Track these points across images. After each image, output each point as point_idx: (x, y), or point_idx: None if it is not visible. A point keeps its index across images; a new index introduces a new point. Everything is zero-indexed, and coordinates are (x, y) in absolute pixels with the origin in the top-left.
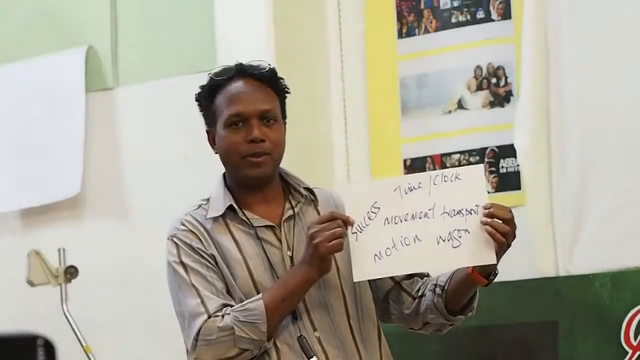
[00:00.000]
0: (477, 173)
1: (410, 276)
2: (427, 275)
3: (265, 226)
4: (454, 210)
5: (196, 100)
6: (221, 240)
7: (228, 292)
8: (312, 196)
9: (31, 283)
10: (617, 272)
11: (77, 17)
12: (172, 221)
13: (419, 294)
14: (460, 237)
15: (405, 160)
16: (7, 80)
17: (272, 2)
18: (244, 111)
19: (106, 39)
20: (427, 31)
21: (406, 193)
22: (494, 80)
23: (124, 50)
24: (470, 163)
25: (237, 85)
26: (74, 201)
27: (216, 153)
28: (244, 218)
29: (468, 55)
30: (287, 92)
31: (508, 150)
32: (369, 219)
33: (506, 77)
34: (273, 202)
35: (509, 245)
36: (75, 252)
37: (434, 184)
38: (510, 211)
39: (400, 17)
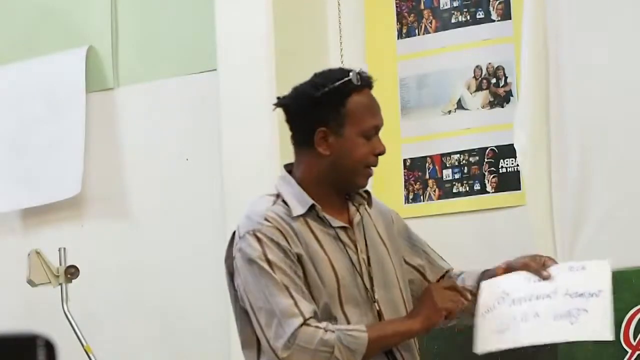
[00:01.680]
0: (604, 267)
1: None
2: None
3: (341, 227)
4: (576, 292)
5: (311, 95)
6: (307, 239)
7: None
8: (369, 199)
9: (32, 283)
10: (617, 272)
11: (78, 18)
12: (251, 215)
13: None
14: (578, 315)
15: (405, 160)
16: (8, 80)
17: (272, 2)
18: (379, 125)
19: (106, 39)
20: (427, 31)
21: (534, 282)
22: (493, 80)
23: (125, 50)
24: (470, 163)
25: (370, 96)
26: (74, 201)
27: (324, 152)
28: (323, 218)
29: (468, 55)
30: None
31: (508, 150)
32: (498, 303)
33: (506, 77)
34: (339, 205)
35: None
36: (75, 252)
37: (560, 272)
38: None
39: (400, 17)
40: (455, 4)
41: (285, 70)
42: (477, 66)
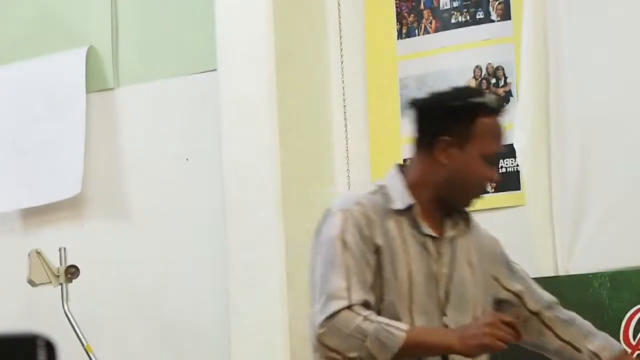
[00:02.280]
0: None
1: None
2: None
3: (431, 236)
4: None
5: (446, 103)
6: (393, 235)
7: (373, 287)
8: (468, 222)
9: (32, 283)
10: (616, 272)
11: (78, 18)
12: (350, 195)
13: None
14: None
15: (405, 160)
16: (8, 81)
17: (272, 2)
18: (500, 152)
19: (107, 40)
20: (426, 32)
21: None
22: (493, 81)
23: (125, 50)
24: None
25: (498, 123)
26: (74, 201)
27: (442, 160)
28: (417, 221)
29: (468, 55)
30: None
31: (508, 150)
32: None
33: (506, 77)
34: (438, 217)
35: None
36: (75, 252)
37: None
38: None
39: (400, 17)
40: (455, 4)
41: (285, 70)
42: (477, 66)
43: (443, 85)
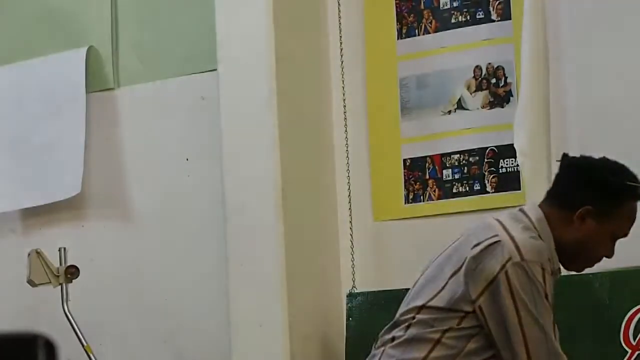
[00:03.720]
0: None
1: None
2: None
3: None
4: None
5: (605, 177)
6: (551, 292)
7: None
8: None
9: (32, 283)
10: (616, 272)
11: (78, 18)
12: (532, 244)
13: None
14: None
15: (405, 160)
16: (8, 81)
17: (272, 2)
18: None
19: (107, 40)
20: (426, 32)
21: None
22: (493, 81)
23: (125, 50)
24: (470, 163)
25: (636, 209)
26: (74, 201)
27: (578, 226)
28: (556, 277)
29: (468, 55)
30: None
31: (508, 150)
32: None
33: (506, 77)
34: None
35: None
36: (75, 252)
37: None
38: None
39: (400, 17)
40: (455, 4)
41: (285, 70)
42: (477, 66)
43: (443, 85)
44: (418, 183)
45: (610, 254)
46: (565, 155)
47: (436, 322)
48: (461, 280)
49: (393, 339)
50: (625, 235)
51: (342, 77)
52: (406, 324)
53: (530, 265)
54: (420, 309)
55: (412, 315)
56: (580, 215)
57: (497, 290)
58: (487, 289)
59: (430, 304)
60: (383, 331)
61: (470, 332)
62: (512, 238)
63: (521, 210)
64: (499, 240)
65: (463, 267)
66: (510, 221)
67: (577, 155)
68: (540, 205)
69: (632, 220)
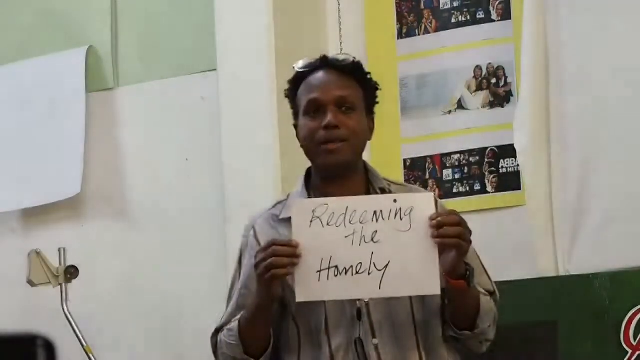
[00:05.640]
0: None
1: None
2: None
3: None
4: None
5: (286, 97)
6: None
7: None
8: None
9: (31, 283)
10: (617, 272)
11: (78, 18)
12: (249, 218)
13: None
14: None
15: (405, 160)
16: (8, 81)
17: (272, 3)
18: (320, 98)
19: (106, 40)
20: (427, 31)
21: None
22: (493, 81)
23: (124, 50)
24: (470, 163)
25: (318, 76)
26: (74, 201)
27: (302, 146)
28: None
29: (468, 55)
30: (376, 87)
31: (508, 150)
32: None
33: (506, 77)
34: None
35: (468, 244)
36: (75, 252)
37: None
38: (455, 213)
39: (400, 17)
40: (455, 4)
41: (285, 70)
42: (477, 66)
43: (443, 85)
44: (418, 183)
45: (325, 120)
46: None
47: None
48: None
49: None
50: (315, 99)
51: None
52: None
53: None
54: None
55: None
56: (298, 138)
57: None
58: None
59: None
60: None
61: None
62: None
63: None
64: None
65: None
66: None
67: (578, 155)
68: None
69: (310, 85)
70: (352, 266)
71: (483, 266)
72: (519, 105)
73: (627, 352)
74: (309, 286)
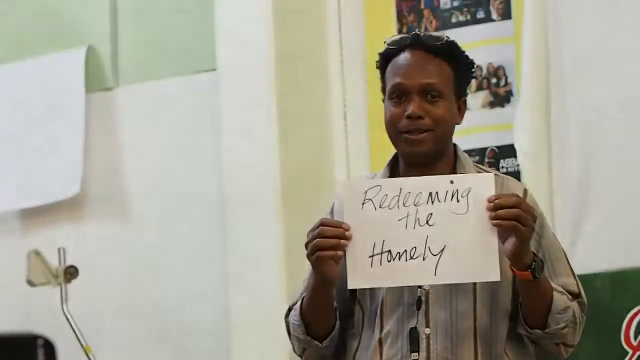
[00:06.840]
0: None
1: None
2: None
3: None
4: None
5: (377, 68)
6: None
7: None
8: None
9: (31, 283)
10: (617, 272)
11: (77, 17)
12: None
13: None
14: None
15: None
16: (7, 80)
17: (272, 2)
18: (405, 83)
19: (106, 39)
20: (427, 31)
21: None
22: (494, 80)
23: (124, 50)
24: None
25: (405, 57)
26: (74, 201)
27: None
28: None
29: (468, 55)
30: (471, 68)
31: (508, 150)
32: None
33: (506, 77)
34: None
35: (528, 229)
36: (75, 252)
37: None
38: (516, 196)
39: (400, 17)
40: (455, 3)
41: (285, 70)
42: (477, 66)
43: None
44: None
45: (408, 110)
46: None
47: None
48: None
49: None
50: (399, 84)
51: (342, 77)
52: None
53: None
54: None
55: None
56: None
57: None
58: None
59: None
60: None
61: None
62: None
63: None
64: None
65: None
66: None
67: (578, 155)
68: None
69: (397, 66)
70: (406, 250)
71: (571, 268)
72: (519, 105)
73: (628, 352)
74: (362, 272)
